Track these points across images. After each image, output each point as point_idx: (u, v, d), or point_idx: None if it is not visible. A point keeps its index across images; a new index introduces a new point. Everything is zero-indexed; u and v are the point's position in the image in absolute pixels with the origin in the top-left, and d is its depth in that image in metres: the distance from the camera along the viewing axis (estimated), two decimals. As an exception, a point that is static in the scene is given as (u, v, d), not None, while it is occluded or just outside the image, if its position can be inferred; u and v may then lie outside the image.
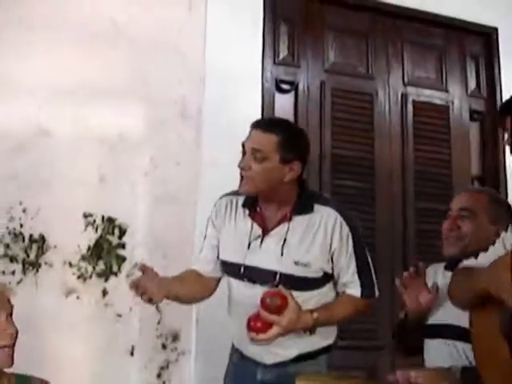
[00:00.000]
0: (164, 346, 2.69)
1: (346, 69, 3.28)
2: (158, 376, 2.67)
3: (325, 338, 1.98)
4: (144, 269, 1.89)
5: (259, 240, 1.94)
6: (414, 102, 3.38)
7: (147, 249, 2.70)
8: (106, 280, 2.66)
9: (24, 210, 2.59)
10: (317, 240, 1.90)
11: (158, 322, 2.68)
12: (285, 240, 1.91)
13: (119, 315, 2.65)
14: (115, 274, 2.66)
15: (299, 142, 1.95)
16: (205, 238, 2.10)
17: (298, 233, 1.91)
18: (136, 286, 1.85)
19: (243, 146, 1.91)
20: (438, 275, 2.04)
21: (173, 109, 2.83)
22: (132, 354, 2.64)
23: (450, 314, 1.90)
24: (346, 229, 1.90)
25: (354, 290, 1.94)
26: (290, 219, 1.92)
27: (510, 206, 2.07)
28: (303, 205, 1.93)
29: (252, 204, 1.98)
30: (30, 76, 2.63)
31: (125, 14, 2.82)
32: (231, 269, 2.00)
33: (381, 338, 3.02)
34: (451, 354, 1.86)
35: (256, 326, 1.77)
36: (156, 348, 2.68)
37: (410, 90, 3.40)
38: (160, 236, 2.73)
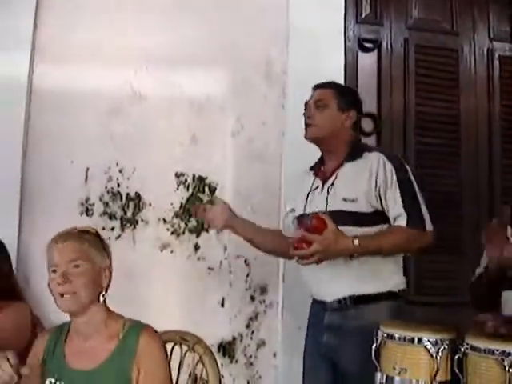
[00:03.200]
0: (252, 298, 2.79)
1: (429, 25, 3.20)
2: (247, 326, 2.78)
3: (383, 283, 2.06)
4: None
5: (318, 189, 2.15)
6: (500, 57, 3.27)
7: (237, 205, 2.75)
8: (198, 235, 2.77)
9: (121, 171, 2.73)
10: (363, 178, 2.05)
11: (247, 275, 2.78)
12: (333, 182, 2.10)
13: (210, 268, 2.77)
14: (206, 230, 2.77)
15: (353, 94, 2.29)
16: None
17: (347, 175, 2.10)
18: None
19: (306, 104, 2.22)
20: None
21: (258, 69, 2.88)
22: (223, 305, 2.76)
23: None
24: (389, 165, 2.05)
25: (401, 222, 2.00)
26: (341, 165, 2.11)
27: None
28: (354, 152, 2.13)
29: (318, 164, 2.23)
30: (125, 43, 2.74)
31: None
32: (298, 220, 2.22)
33: (463, 294, 3.01)
34: None
35: (299, 245, 1.94)
36: (245, 300, 2.78)
37: (496, 45, 3.28)
38: (248, 193, 2.81)
